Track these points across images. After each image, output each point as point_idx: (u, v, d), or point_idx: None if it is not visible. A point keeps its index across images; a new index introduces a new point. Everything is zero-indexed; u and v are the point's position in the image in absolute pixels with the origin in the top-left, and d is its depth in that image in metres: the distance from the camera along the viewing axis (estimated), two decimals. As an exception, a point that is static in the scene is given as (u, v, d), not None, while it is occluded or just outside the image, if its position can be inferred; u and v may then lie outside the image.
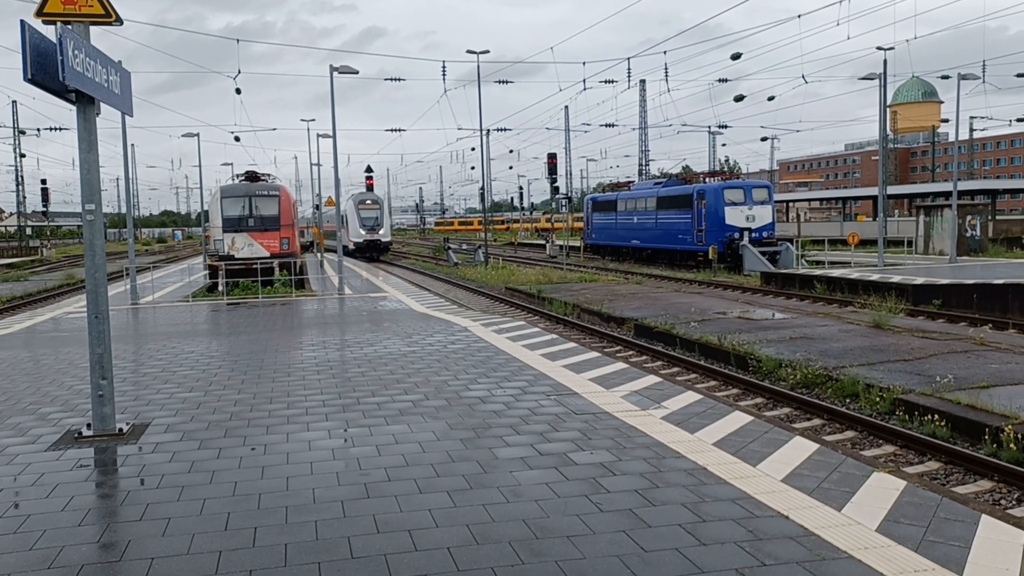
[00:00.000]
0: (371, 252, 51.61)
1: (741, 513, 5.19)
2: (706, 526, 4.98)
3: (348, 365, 10.92)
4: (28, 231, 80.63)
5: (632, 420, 7.60)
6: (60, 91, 7.02)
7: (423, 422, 7.70)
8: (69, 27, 7.00)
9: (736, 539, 4.77)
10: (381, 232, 52.07)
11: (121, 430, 7.54)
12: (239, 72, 30.21)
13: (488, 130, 57.49)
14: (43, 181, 69.94)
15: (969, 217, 36.73)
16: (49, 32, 6.95)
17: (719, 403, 8.45)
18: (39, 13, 7.08)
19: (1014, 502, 7.35)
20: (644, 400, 8.44)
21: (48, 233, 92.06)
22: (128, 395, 9.23)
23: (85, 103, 7.37)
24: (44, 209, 74.62)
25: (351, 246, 49.87)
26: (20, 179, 71.41)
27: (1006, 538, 4.71)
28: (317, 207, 51.76)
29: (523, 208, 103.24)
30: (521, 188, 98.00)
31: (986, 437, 8.44)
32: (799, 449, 6.61)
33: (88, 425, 7.61)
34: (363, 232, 51.24)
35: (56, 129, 56.71)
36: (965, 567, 4.35)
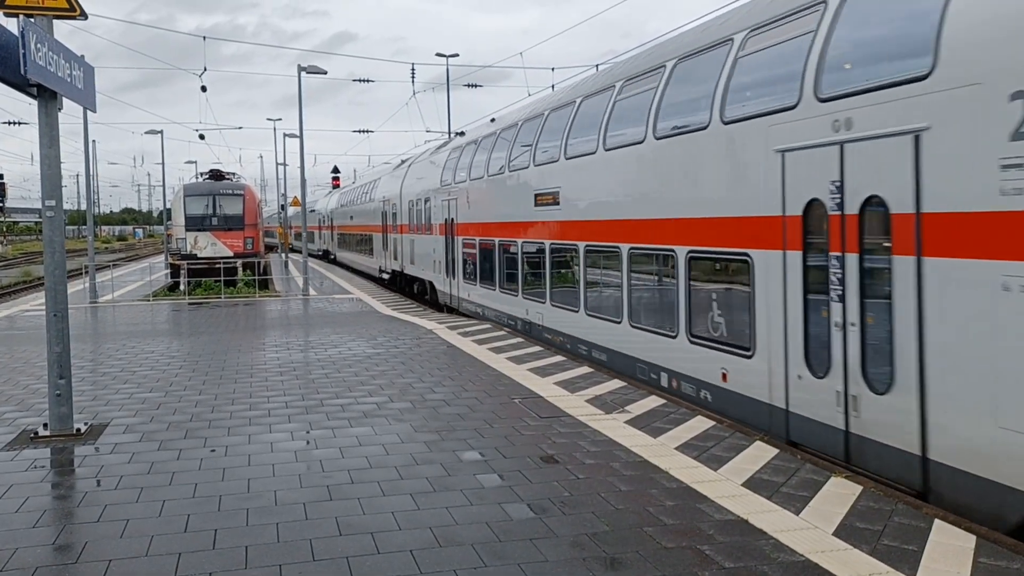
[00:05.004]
0: None
1: (702, 517, 5.25)
2: (667, 529, 5.03)
3: (312, 367, 10.84)
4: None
5: (595, 424, 7.65)
6: (21, 85, 6.92)
7: (387, 424, 7.68)
8: (32, 21, 6.89)
9: (697, 543, 4.82)
10: None
11: (79, 430, 7.42)
12: (205, 70, 29.69)
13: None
14: (0, 176, 68.38)
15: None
16: (11, 26, 6.84)
17: (682, 407, 8.54)
18: (1, 6, 6.96)
19: (966, 507, 7.51)
20: (608, 404, 8.50)
21: (5, 229, 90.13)
22: (86, 395, 9.07)
23: (47, 98, 7.26)
24: (1, 205, 72.93)
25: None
26: (-24, 173, 69.76)
27: (958, 542, 4.82)
28: (283, 207, 51.07)
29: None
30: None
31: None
32: (760, 454, 6.70)
33: (45, 425, 7.47)
34: None
35: (15, 123, 55.34)
36: (918, 570, 4.45)
